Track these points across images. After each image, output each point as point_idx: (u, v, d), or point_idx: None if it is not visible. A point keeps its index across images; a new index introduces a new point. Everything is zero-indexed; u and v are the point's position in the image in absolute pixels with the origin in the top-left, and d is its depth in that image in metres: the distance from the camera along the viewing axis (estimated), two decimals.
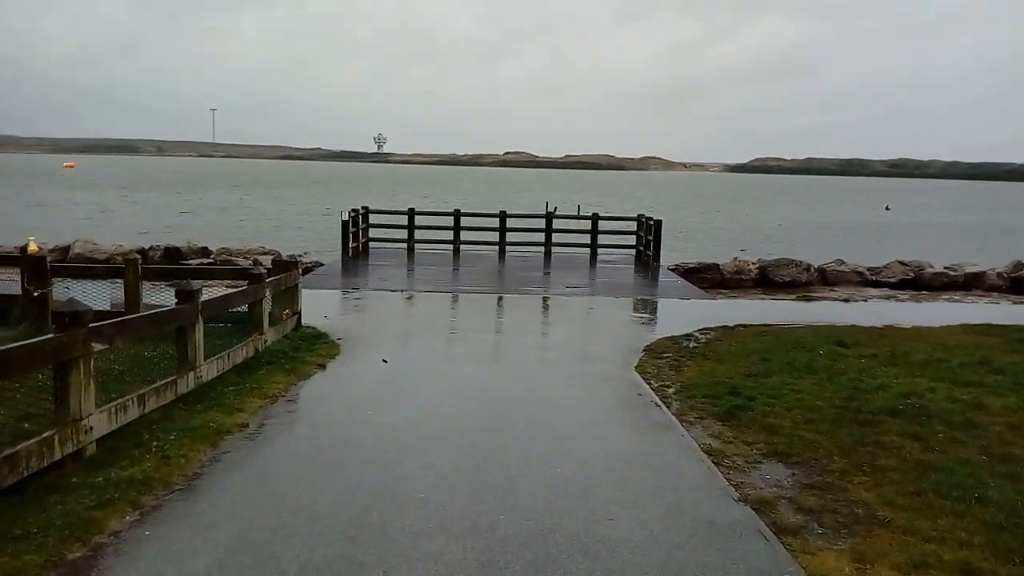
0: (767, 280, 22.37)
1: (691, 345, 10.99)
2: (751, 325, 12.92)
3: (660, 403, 7.96)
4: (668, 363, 9.67)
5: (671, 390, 8.46)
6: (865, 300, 17.96)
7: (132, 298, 9.84)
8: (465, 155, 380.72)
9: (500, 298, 15.63)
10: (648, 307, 15.54)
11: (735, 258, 22.85)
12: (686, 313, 14.34)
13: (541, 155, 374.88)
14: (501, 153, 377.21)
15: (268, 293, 9.06)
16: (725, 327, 12.66)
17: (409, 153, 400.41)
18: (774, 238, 40.79)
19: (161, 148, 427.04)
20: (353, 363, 9.21)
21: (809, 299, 17.56)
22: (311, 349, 9.54)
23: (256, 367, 8.48)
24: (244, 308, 9.65)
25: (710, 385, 8.45)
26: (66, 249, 22.40)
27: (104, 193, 69.68)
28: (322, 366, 8.99)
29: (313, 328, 10.90)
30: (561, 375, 9.02)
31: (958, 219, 62.82)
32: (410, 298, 15.41)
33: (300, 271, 10.54)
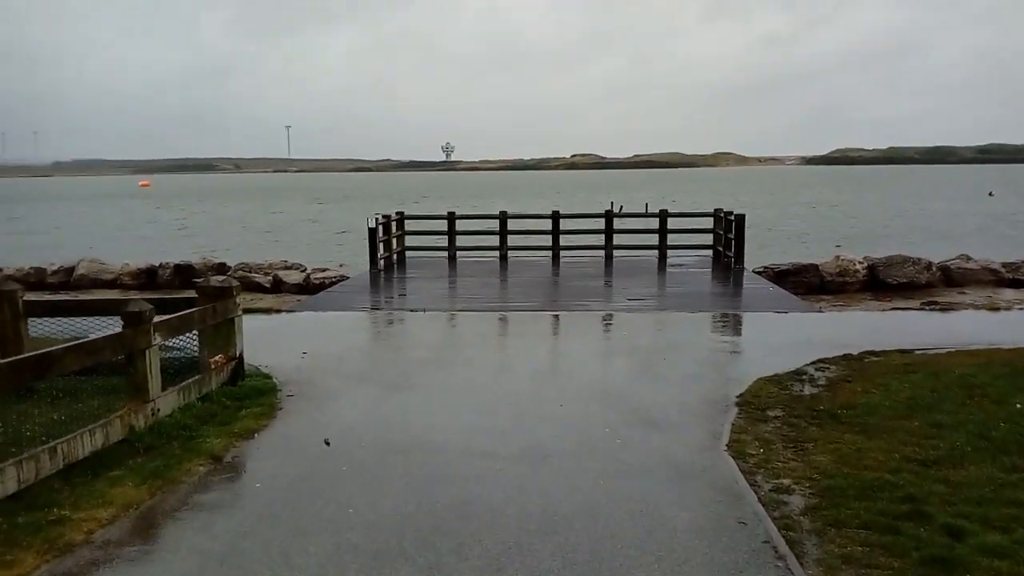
0: (878, 282, 18.43)
1: (807, 392, 7.46)
2: (884, 352, 9.28)
3: (784, 547, 4.27)
4: (779, 433, 6.18)
5: (797, 505, 4.83)
6: (1020, 307, 13.88)
7: None
8: (532, 159, 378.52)
9: (543, 317, 12.36)
10: (734, 326, 11.99)
11: (837, 257, 18.93)
12: (787, 333, 10.77)
13: (608, 156, 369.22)
14: (568, 156, 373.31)
15: (156, 339, 6.02)
16: (848, 356, 9.07)
17: (476, 160, 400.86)
18: (871, 233, 36.13)
19: (238, 165, 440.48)
20: (280, 451, 6.01)
21: (943, 308, 13.63)
22: (229, 421, 6.46)
23: (112, 463, 5.41)
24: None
25: (863, 491, 4.85)
26: (70, 270, 20.26)
27: (167, 209, 69.52)
28: (216, 459, 5.73)
29: (267, 376, 7.91)
30: (604, 465, 5.64)
31: None
32: (431, 320, 12.30)
33: (237, 299, 7.49)
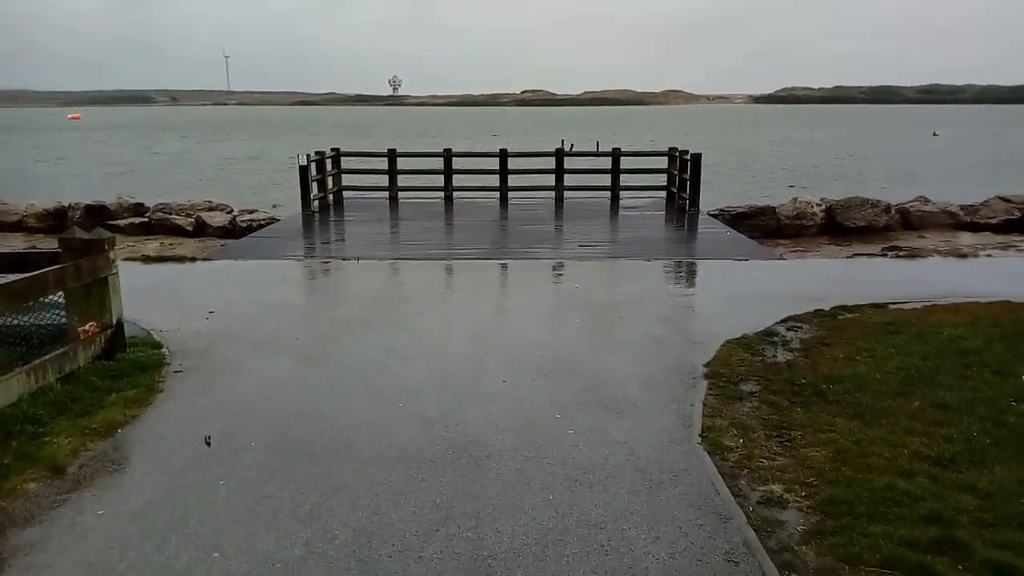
0: (836, 226, 17.79)
1: (782, 359, 6.57)
2: (857, 307, 8.48)
3: None
4: (759, 416, 5.25)
5: (796, 528, 3.80)
6: (986, 253, 13.29)
7: None
8: (481, 95, 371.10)
9: (488, 267, 11.26)
10: (694, 275, 11.09)
11: (794, 199, 18.17)
12: (750, 284, 9.91)
13: (559, 93, 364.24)
14: (518, 92, 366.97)
15: None
16: (820, 313, 8.24)
17: (424, 95, 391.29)
18: (823, 173, 35.71)
19: (175, 98, 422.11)
20: (142, 456, 4.75)
21: (908, 254, 12.95)
22: (90, 409, 5.22)
23: None
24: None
25: (876, 506, 3.88)
26: None
27: (94, 142, 65.41)
28: (57, 470, 4.42)
29: (156, 345, 6.67)
30: (554, 471, 4.59)
31: (1018, 144, 56.70)
32: (364, 271, 11.10)
33: (111, 254, 6.17)
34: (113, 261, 6.11)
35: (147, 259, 12.35)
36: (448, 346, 7.01)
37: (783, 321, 7.89)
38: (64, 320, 6.03)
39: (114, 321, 6.13)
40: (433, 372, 6.28)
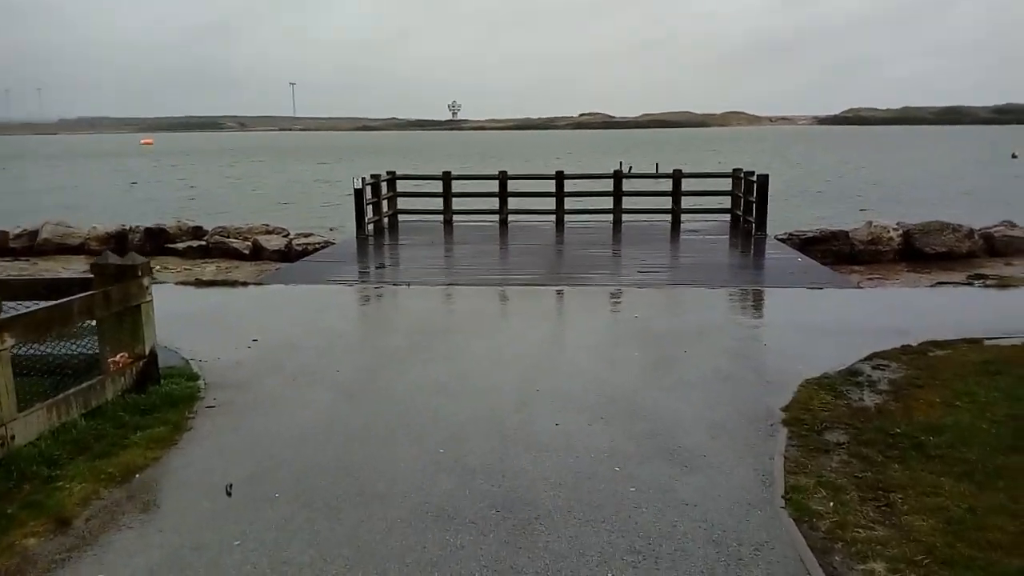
0: (914, 251, 16.71)
1: (871, 403, 5.85)
2: (949, 343, 7.65)
3: None
4: (850, 474, 4.55)
5: None
6: None
7: None
8: (539, 118, 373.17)
9: (543, 294, 10.75)
10: (763, 305, 10.36)
11: (869, 223, 17.17)
12: (826, 315, 9.15)
13: (617, 115, 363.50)
14: (576, 115, 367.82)
15: (5, 342, 4.41)
16: (907, 349, 7.45)
17: (483, 119, 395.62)
18: (896, 196, 34.20)
19: (243, 124, 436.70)
20: (157, 506, 4.32)
21: (998, 283, 11.93)
22: (111, 450, 4.83)
23: None
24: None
25: None
26: (34, 234, 18.68)
27: (166, 167, 67.62)
28: (63, 522, 4.02)
29: (193, 376, 6.35)
30: (613, 540, 3.97)
31: None
32: (415, 296, 10.72)
33: (145, 280, 5.87)
34: (147, 288, 5.82)
35: (200, 283, 12.23)
36: (496, 382, 6.49)
37: (868, 359, 7.13)
38: (97, 350, 5.75)
39: (147, 351, 5.82)
40: (479, 412, 5.76)
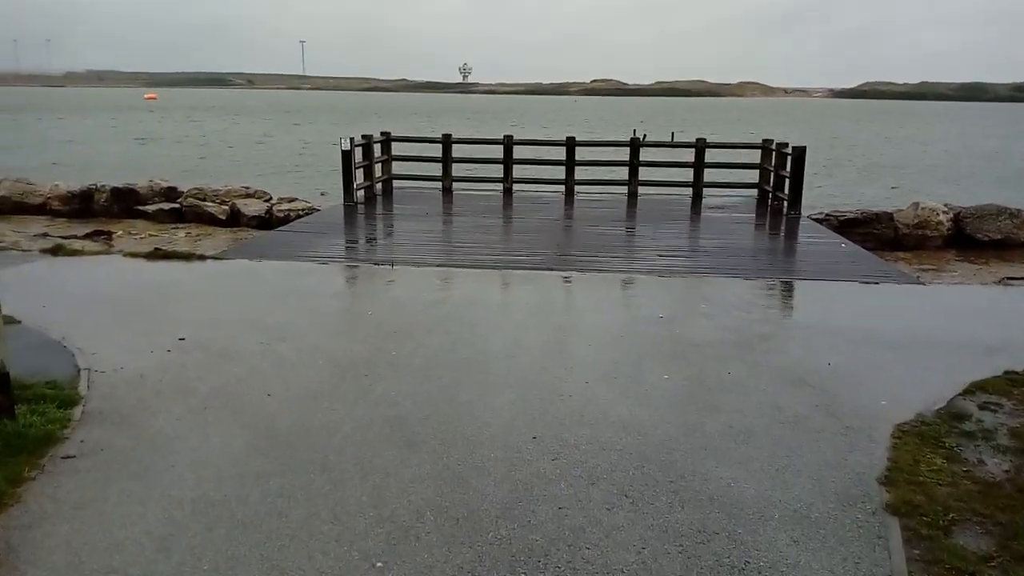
0: (964, 237, 14.93)
1: (1003, 476, 4.18)
2: None
3: None
4: None
5: None
6: None
7: None
8: (551, 84, 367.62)
9: (545, 282, 9.06)
10: (813, 303, 8.63)
11: (916, 204, 15.34)
12: (892, 319, 7.48)
13: (630, 83, 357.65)
14: (588, 81, 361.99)
15: None
16: (1014, 378, 5.77)
17: (493, 83, 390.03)
18: (928, 173, 32.15)
19: (251, 81, 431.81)
20: None
21: None
22: None
23: None
24: None
25: None
26: None
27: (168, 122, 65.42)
28: None
29: (70, 400, 4.71)
30: None
31: None
32: (396, 280, 9.06)
33: None
34: None
35: (152, 255, 10.55)
36: (479, 424, 4.81)
37: (968, 392, 5.47)
38: None
39: None
40: (447, 483, 4.09)
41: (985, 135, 63.51)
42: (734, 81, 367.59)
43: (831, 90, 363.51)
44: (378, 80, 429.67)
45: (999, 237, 14.82)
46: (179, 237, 14.74)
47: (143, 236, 14.46)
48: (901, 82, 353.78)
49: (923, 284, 9.84)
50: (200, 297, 8.06)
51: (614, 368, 5.91)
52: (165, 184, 17.50)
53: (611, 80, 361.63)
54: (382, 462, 4.20)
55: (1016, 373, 5.92)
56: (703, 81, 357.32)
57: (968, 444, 4.54)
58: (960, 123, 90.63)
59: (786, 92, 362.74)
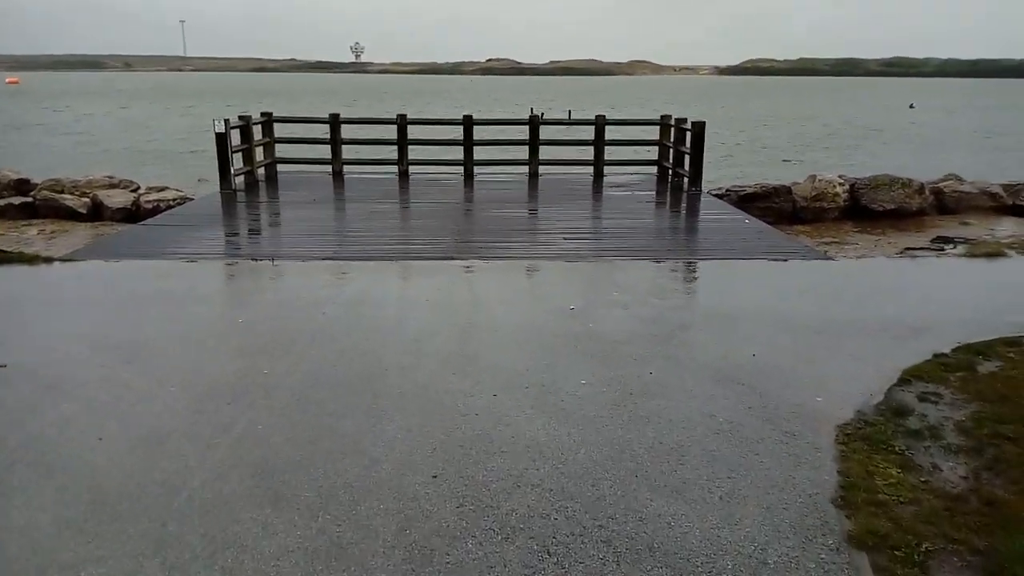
0: (860, 209, 15.08)
1: (963, 484, 3.72)
2: (988, 345, 5.71)
3: None
4: None
5: None
6: None
7: None
8: (446, 63, 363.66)
9: (444, 273, 8.27)
10: (727, 286, 8.19)
11: (813, 177, 15.36)
12: (808, 301, 7.13)
13: (525, 62, 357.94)
14: (483, 60, 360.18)
15: None
16: (945, 361, 5.45)
17: (387, 62, 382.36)
18: (813, 146, 33.10)
19: (129, 64, 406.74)
20: None
21: (969, 251, 10.22)
22: None
23: None
24: None
25: None
26: None
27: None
28: None
29: None
30: None
31: (1000, 120, 54.77)
32: (274, 280, 8.06)
33: None
34: None
35: None
36: (365, 467, 3.94)
37: (903, 383, 5.07)
38: None
39: None
40: (321, 556, 3.21)
41: (855, 108, 66.65)
42: (625, 60, 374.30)
43: (716, 67, 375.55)
44: (266, 60, 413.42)
45: (892, 207, 15.02)
46: (30, 235, 13.07)
47: None
48: (781, 59, 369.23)
49: (832, 259, 9.62)
50: (37, 310, 6.84)
51: (525, 375, 5.19)
52: (15, 176, 15.57)
53: (506, 60, 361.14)
54: (238, 531, 3.31)
55: (946, 355, 5.60)
56: (596, 61, 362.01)
57: (918, 446, 4.09)
58: (836, 97, 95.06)
59: (675, 71, 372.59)
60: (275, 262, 8.92)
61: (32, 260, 9.04)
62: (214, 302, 7.17)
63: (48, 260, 9.04)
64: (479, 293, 7.54)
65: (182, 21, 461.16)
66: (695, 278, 8.45)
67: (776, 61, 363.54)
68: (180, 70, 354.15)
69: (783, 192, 15.02)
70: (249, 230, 11.29)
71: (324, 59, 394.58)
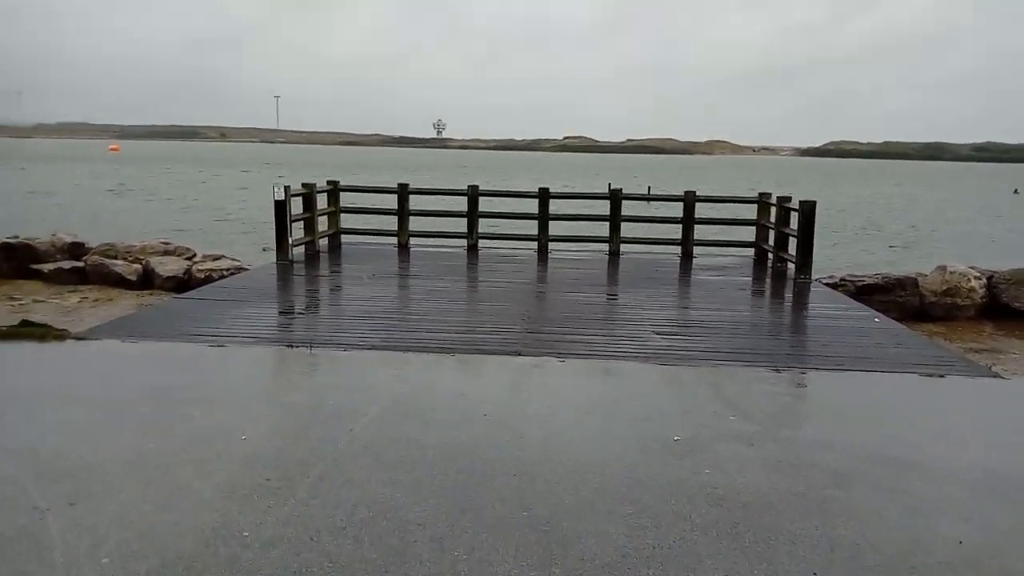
0: (999, 307, 12.86)
1: None
2: None
3: None
4: None
5: None
6: None
7: None
8: (523, 140, 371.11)
9: (512, 372, 6.66)
10: (873, 412, 6.28)
11: (943, 267, 13.26)
12: (991, 441, 5.23)
13: (601, 140, 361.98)
14: (560, 138, 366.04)
15: None
16: None
17: (467, 138, 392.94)
18: (922, 233, 30.60)
19: (224, 134, 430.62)
20: None
21: None
22: None
23: None
24: None
25: None
26: None
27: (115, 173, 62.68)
28: None
29: None
30: None
31: None
32: (309, 373, 6.62)
33: None
34: None
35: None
36: None
37: None
38: None
39: None
40: None
41: (965, 193, 63.12)
42: (703, 139, 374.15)
43: (797, 148, 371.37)
44: (352, 134, 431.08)
45: None
46: (70, 303, 12.16)
47: (21, 303, 11.84)
48: (865, 141, 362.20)
49: (1003, 377, 7.59)
50: (25, 409, 5.52)
51: (619, 564, 3.47)
52: (70, 239, 14.94)
53: (583, 137, 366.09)
54: None
55: None
56: (673, 139, 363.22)
57: None
58: (931, 182, 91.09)
59: (754, 151, 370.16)
60: (312, 349, 7.53)
61: (43, 336, 7.88)
62: (219, 406, 5.72)
63: (61, 337, 7.87)
64: (553, 409, 5.88)
65: (277, 97, 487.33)
66: (831, 396, 6.59)
67: (860, 143, 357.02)
68: (272, 141, 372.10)
69: (909, 284, 12.98)
70: (294, 308, 10.00)
71: (407, 135, 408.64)
